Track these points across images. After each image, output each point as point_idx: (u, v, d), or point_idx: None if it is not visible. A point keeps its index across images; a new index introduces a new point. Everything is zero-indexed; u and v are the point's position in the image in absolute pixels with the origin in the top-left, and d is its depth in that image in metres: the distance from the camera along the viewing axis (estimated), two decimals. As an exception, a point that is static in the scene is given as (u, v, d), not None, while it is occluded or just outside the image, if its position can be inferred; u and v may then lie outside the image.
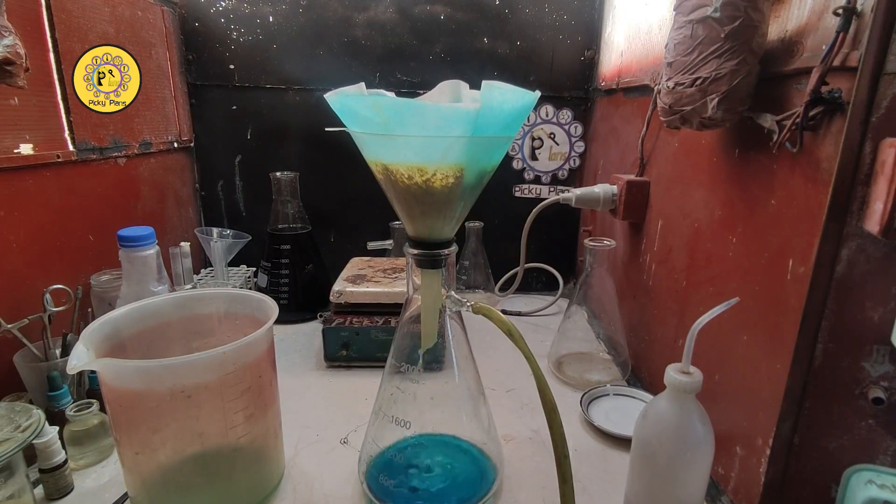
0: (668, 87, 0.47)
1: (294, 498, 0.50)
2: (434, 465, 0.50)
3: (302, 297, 0.89)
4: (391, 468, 0.49)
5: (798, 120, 0.38)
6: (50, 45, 0.60)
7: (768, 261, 0.44)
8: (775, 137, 0.41)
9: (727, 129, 0.50)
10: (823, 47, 0.35)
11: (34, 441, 0.45)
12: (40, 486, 0.49)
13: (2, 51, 0.43)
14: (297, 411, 0.64)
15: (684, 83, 0.45)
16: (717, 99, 0.43)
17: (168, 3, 0.86)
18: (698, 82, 0.44)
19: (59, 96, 0.62)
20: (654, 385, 0.68)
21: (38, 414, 0.46)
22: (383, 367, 0.50)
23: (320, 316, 0.75)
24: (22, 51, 0.46)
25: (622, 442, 0.58)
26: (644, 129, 0.69)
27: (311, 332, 0.85)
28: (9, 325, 0.53)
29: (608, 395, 0.67)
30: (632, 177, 0.72)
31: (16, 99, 0.56)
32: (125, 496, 0.49)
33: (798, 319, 0.39)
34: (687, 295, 0.59)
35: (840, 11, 0.34)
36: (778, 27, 0.43)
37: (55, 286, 0.57)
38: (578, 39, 0.96)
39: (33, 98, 0.58)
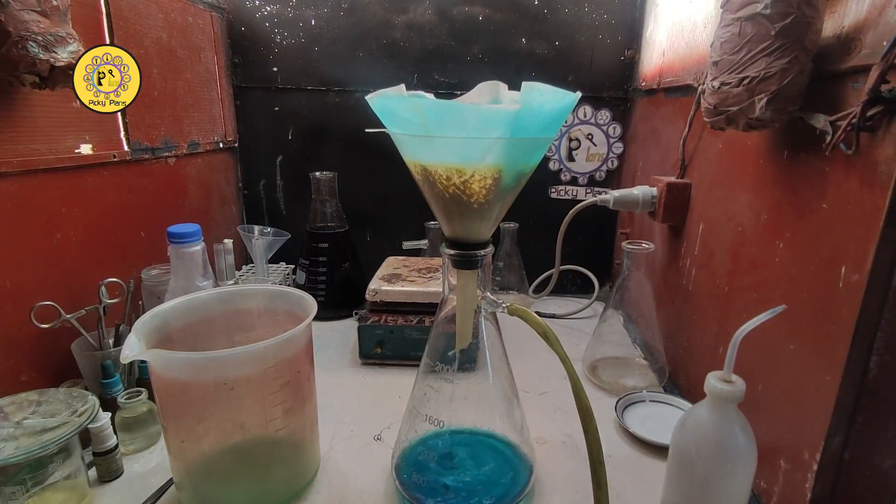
0: (714, 86, 0.45)
1: (329, 492, 0.51)
2: (467, 463, 0.50)
3: (338, 294, 0.91)
4: (423, 465, 0.49)
5: (854, 120, 0.36)
6: (109, 51, 0.63)
7: (818, 267, 0.42)
8: (828, 139, 0.39)
9: (775, 130, 0.48)
10: (884, 43, 0.34)
11: (89, 425, 0.48)
12: (93, 468, 0.51)
13: (67, 57, 0.46)
14: (332, 407, 0.65)
15: (730, 83, 0.43)
16: (765, 99, 0.41)
17: (217, 9, 0.89)
18: (745, 82, 0.42)
19: (116, 99, 0.65)
20: (692, 392, 0.66)
21: (94, 400, 0.48)
22: (417, 365, 0.51)
23: (356, 314, 0.76)
24: (84, 57, 0.49)
25: (658, 449, 0.57)
26: (686, 129, 0.67)
27: (346, 330, 0.86)
28: (68, 315, 0.56)
29: (644, 401, 0.65)
30: (672, 178, 0.70)
31: (77, 102, 0.59)
32: (170, 482, 0.51)
33: (850, 330, 0.37)
34: (729, 301, 0.57)
35: (903, 6, 0.33)
36: (833, 23, 0.41)
37: (110, 279, 0.60)
38: (619, 39, 0.94)
39: (93, 101, 0.61)
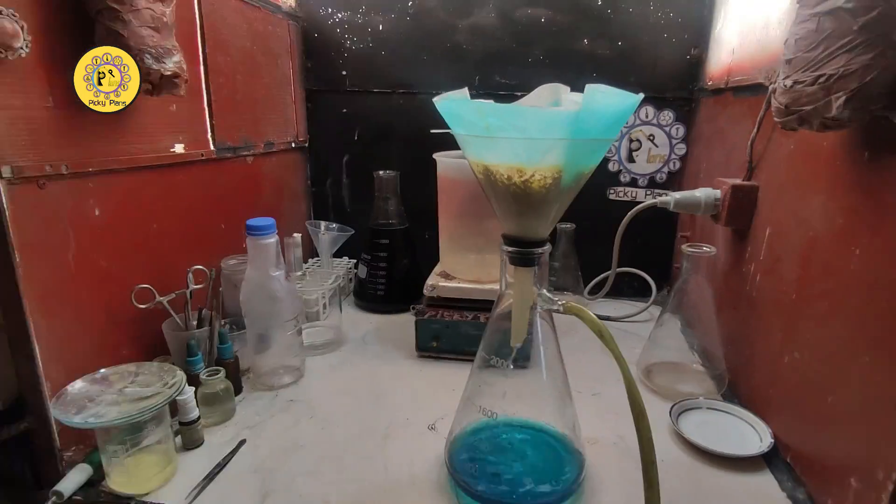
0: (786, 85, 0.44)
1: (386, 475, 0.54)
2: (519, 454, 0.52)
3: (397, 289, 0.94)
4: (476, 454, 0.51)
5: (943, 121, 0.34)
6: (201, 58, 0.70)
7: (898, 276, 0.40)
8: (913, 140, 0.37)
9: (855, 130, 0.46)
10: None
11: (177, 397, 0.53)
12: (178, 436, 0.57)
13: (172, 66, 0.52)
14: (389, 396, 0.68)
15: (804, 81, 0.42)
16: (843, 98, 0.40)
17: (294, 18, 0.95)
18: (821, 80, 0.41)
19: (206, 102, 0.72)
20: (753, 402, 0.63)
21: (181, 374, 0.54)
22: (471, 360, 0.52)
23: (413, 308, 0.79)
24: (185, 66, 0.54)
25: (714, 458, 0.56)
26: (755, 130, 0.65)
27: (404, 323, 0.88)
28: (161, 298, 0.62)
29: (701, 408, 0.64)
30: (738, 181, 0.68)
31: (174, 106, 0.66)
32: (240, 445, 0.56)
33: (931, 341, 0.35)
34: (796, 309, 0.55)
35: None
36: (924, 17, 0.39)
37: (196, 266, 0.66)
38: (684, 37, 0.92)
39: (186, 104, 0.68)
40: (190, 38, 0.68)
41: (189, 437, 0.57)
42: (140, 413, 0.48)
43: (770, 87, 0.58)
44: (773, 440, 0.56)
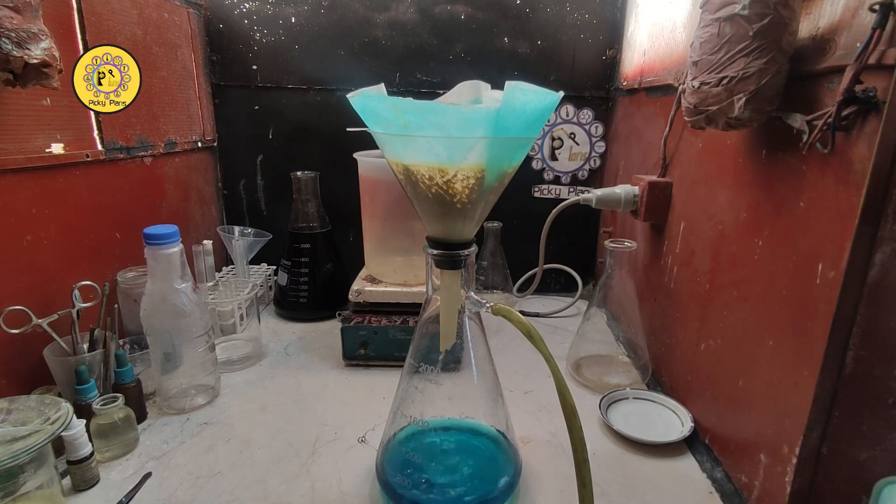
0: (694, 86, 0.46)
1: (313, 496, 0.50)
2: (452, 463, 0.50)
3: (321, 295, 0.90)
4: (408, 466, 0.49)
5: (830, 120, 0.37)
6: (81, 47, 0.61)
7: (796, 264, 0.43)
8: (805, 138, 0.40)
9: (754, 129, 0.48)
10: (858, 45, 0.34)
11: (62, 433, 0.46)
12: (68, 477, 0.50)
13: (40, 54, 0.44)
14: (315, 410, 0.64)
15: (710, 82, 0.44)
16: (744, 98, 0.42)
17: (194, 6, 0.88)
18: (725, 81, 0.43)
19: (89, 97, 0.63)
20: (674, 389, 0.66)
21: (67, 407, 0.47)
22: (401, 366, 0.51)
23: (339, 315, 0.75)
24: (57, 53, 0.47)
25: (641, 446, 0.58)
26: (667, 129, 0.68)
27: (329, 331, 0.85)
28: (39, 320, 0.54)
29: (627, 398, 0.66)
30: (654, 177, 0.71)
31: (48, 99, 0.57)
32: (144, 478, 0.50)
33: (828, 325, 0.38)
34: (710, 298, 0.58)
35: (877, 7, 0.33)
36: (809, 24, 0.42)
37: (83, 282, 0.59)
38: (600, 38, 0.95)
39: (64, 99, 0.59)
40: (66, 24, 0.59)
41: (80, 477, 0.50)
42: (13, 457, 0.41)
43: (679, 88, 0.60)
44: (693, 424, 0.59)
